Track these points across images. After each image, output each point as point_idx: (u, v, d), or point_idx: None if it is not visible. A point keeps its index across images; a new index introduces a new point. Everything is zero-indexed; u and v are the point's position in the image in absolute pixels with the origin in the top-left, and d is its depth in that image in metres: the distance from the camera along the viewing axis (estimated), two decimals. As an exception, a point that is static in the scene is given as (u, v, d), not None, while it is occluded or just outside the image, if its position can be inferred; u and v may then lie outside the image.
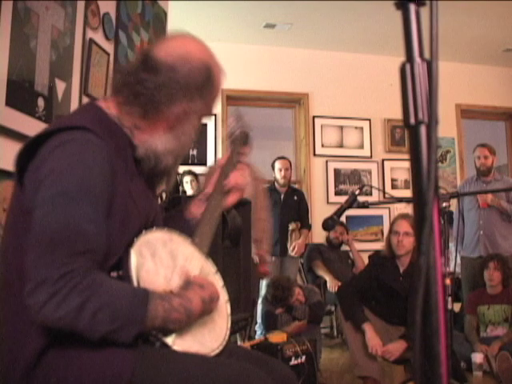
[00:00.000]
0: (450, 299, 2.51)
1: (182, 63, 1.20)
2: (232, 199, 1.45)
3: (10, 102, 2.00)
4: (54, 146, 1.07)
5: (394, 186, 5.97)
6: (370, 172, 5.94)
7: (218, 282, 1.30)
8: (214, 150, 5.49)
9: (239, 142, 1.53)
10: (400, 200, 3.04)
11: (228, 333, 1.26)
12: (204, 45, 1.29)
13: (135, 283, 1.10)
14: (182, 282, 1.19)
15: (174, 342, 1.11)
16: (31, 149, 1.10)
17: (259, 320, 4.07)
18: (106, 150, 1.09)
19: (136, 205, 1.18)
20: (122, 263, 1.13)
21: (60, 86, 2.35)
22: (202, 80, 1.22)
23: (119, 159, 1.14)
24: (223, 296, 1.30)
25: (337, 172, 5.83)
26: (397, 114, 5.26)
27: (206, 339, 1.19)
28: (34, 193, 1.06)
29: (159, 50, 1.22)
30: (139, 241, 1.16)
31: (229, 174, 1.44)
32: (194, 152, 5.44)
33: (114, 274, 1.12)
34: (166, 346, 1.10)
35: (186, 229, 1.36)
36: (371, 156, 5.97)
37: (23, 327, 1.06)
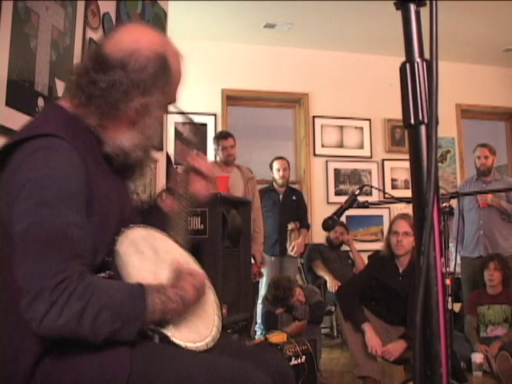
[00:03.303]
0: (450, 299, 2.51)
1: (131, 57, 1.15)
2: (204, 192, 1.45)
3: (10, 102, 2.00)
4: (24, 156, 1.05)
5: (394, 186, 5.96)
6: (369, 172, 5.94)
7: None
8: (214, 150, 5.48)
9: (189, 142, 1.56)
10: (400, 200, 3.02)
11: (219, 320, 1.28)
12: (154, 32, 1.23)
13: (126, 281, 1.11)
14: (171, 272, 1.20)
15: (172, 334, 1.12)
16: (1, 157, 1.08)
17: (259, 320, 4.07)
18: (75, 153, 1.08)
19: (111, 203, 1.18)
20: (109, 263, 1.13)
21: (60, 86, 2.35)
22: (155, 71, 1.17)
23: (90, 159, 1.13)
24: (209, 285, 1.33)
25: (337, 172, 5.83)
26: (397, 114, 5.25)
27: (200, 327, 1.21)
28: (10, 204, 1.04)
29: (108, 46, 1.18)
30: (122, 239, 1.17)
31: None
32: (194, 152, 5.43)
33: (103, 274, 1.13)
34: (165, 338, 1.11)
35: (165, 221, 1.37)
36: (371, 156, 5.97)
37: (18, 337, 1.06)
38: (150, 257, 1.22)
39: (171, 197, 1.44)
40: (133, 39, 1.18)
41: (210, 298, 1.32)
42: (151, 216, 1.42)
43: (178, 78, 1.26)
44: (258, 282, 4.33)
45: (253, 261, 3.69)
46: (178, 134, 5.05)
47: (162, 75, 1.19)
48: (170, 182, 1.48)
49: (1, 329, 1.10)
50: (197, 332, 1.18)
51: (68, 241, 1.02)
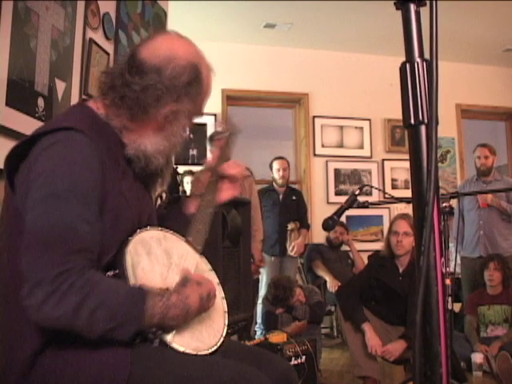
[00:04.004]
0: (450, 299, 2.51)
1: (167, 64, 1.18)
2: (227, 194, 1.45)
3: (10, 102, 2.00)
4: (43, 148, 1.07)
5: (394, 186, 5.96)
6: (369, 172, 5.94)
7: (213, 279, 1.30)
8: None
9: (229, 140, 1.54)
10: (400, 200, 3.02)
11: (225, 329, 1.26)
12: (190, 43, 1.27)
13: (132, 281, 1.10)
14: (180, 278, 1.19)
15: (173, 340, 1.11)
16: (22, 150, 1.10)
17: (259, 320, 4.07)
18: (94, 149, 1.09)
19: (128, 203, 1.18)
20: (117, 262, 1.13)
21: (60, 86, 2.35)
22: (189, 80, 1.20)
23: (110, 158, 1.14)
24: (219, 293, 1.31)
25: (337, 172, 5.83)
26: (397, 113, 5.24)
27: (204, 336, 1.19)
28: (25, 194, 1.06)
29: (144, 51, 1.20)
30: (134, 239, 1.16)
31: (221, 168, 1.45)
32: (194, 152, 5.43)
33: (110, 273, 1.13)
34: (164, 343, 1.10)
35: (186, 225, 1.36)
36: (371, 156, 5.97)
37: (19, 328, 1.06)
38: (161, 260, 1.20)
39: (196, 202, 1.43)
40: (169, 47, 1.22)
41: (220, 309, 1.29)
42: (171, 219, 1.41)
43: (208, 91, 1.28)
44: (258, 280, 4.33)
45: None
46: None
47: (195, 85, 1.22)
48: (195, 189, 1.48)
49: (4, 318, 1.10)
50: (201, 340, 1.17)
51: (74, 234, 1.02)
